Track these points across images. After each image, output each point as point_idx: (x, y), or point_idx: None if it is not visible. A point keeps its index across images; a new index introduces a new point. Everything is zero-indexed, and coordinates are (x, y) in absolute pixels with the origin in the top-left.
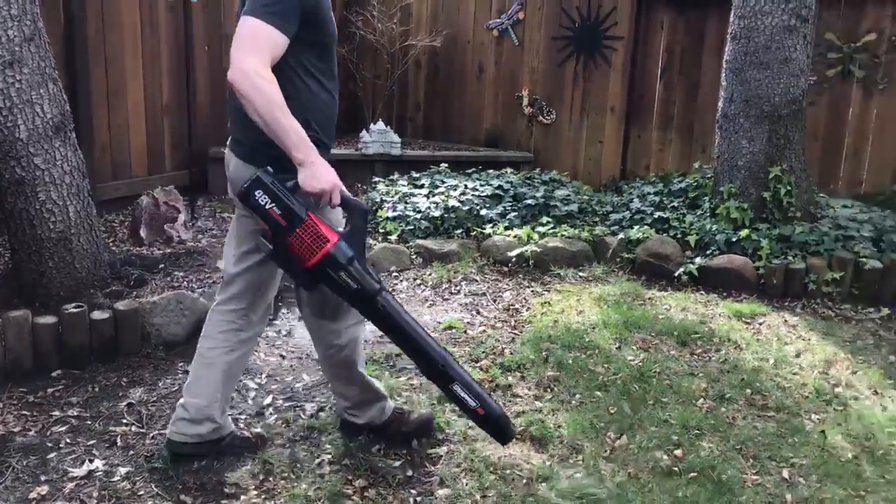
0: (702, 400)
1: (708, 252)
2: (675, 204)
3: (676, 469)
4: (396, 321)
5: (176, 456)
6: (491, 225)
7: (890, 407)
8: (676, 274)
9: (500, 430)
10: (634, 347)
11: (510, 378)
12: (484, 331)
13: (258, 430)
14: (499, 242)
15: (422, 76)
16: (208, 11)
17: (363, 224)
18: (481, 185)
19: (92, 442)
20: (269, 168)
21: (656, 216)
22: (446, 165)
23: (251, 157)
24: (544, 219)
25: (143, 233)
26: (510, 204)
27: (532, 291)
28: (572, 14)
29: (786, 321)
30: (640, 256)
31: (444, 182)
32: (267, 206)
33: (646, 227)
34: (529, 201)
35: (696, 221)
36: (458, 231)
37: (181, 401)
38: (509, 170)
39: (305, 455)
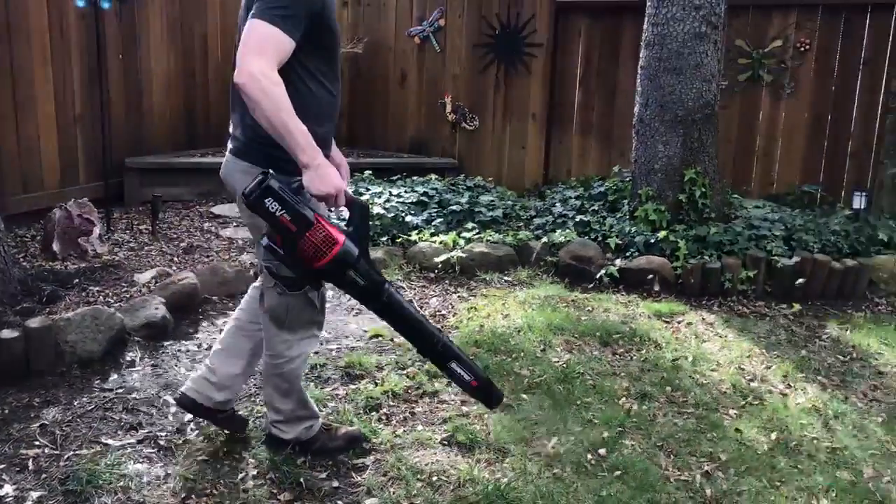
0: (624, 399)
1: (628, 254)
2: (596, 207)
3: (601, 468)
4: (401, 312)
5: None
6: (416, 232)
7: (801, 400)
8: (598, 276)
9: (490, 396)
10: (559, 349)
11: (437, 384)
12: None
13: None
14: (425, 249)
15: (344, 83)
16: (122, 18)
17: (365, 221)
18: (406, 192)
19: (1, 466)
20: (271, 171)
21: (578, 220)
22: (370, 173)
23: (245, 152)
24: (469, 224)
25: (55, 247)
26: (435, 210)
27: (458, 297)
28: (492, 21)
29: (703, 319)
30: (564, 259)
31: (368, 189)
32: (278, 214)
33: (568, 230)
34: (455, 207)
35: (616, 224)
36: (384, 238)
37: (208, 363)
38: (434, 176)
39: (228, 470)
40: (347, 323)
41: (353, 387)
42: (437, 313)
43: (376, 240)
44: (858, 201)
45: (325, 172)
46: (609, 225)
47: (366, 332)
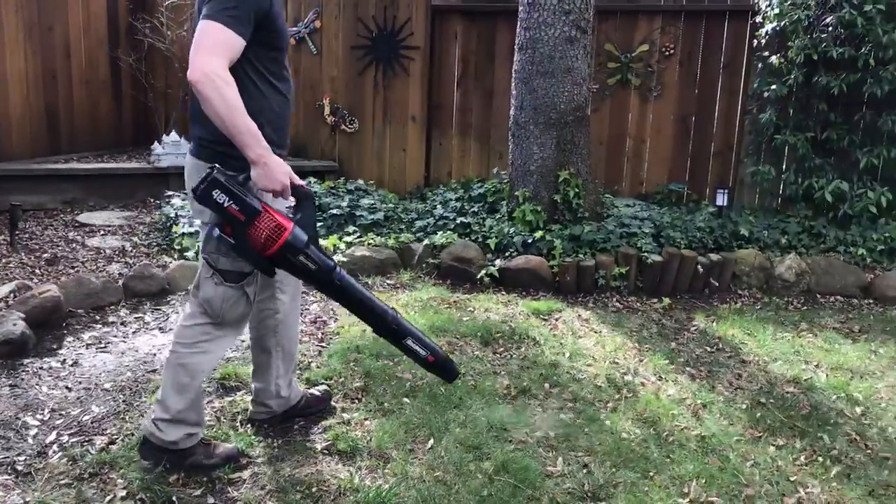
0: (505, 397)
1: (507, 254)
2: (476, 209)
3: (482, 468)
4: (352, 293)
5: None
6: None
7: (672, 391)
8: (479, 276)
9: (447, 370)
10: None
11: (317, 392)
12: None
13: (323, 387)
14: None
15: None
16: None
17: (312, 208)
18: None
19: None
20: (218, 165)
21: (459, 221)
22: None
23: (198, 153)
24: (350, 228)
25: None
26: (315, 214)
27: None
28: (369, 24)
29: (579, 316)
30: (445, 261)
31: None
32: (225, 204)
33: (449, 232)
34: (335, 211)
35: (495, 225)
36: None
37: (254, 385)
38: (313, 179)
39: (95, 493)
40: None
41: (228, 399)
42: (319, 319)
43: None
44: (721, 198)
45: (273, 169)
46: (489, 226)
47: (242, 341)
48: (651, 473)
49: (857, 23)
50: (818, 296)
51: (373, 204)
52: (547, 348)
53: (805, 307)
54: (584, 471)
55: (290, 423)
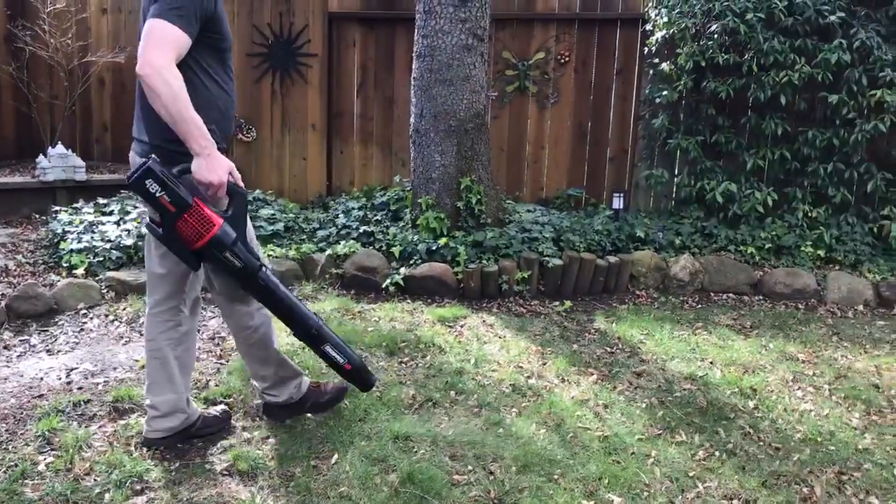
0: (411, 407)
1: (412, 262)
2: (379, 217)
3: (387, 480)
4: (276, 294)
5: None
6: None
7: (575, 392)
8: (384, 285)
9: (364, 380)
10: None
11: (216, 412)
12: None
13: (221, 406)
14: None
15: (107, 95)
16: None
17: (244, 208)
18: None
19: None
20: (155, 157)
21: (362, 230)
22: None
23: (145, 153)
24: None
25: None
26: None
27: None
28: (265, 31)
29: (484, 321)
30: (349, 271)
31: (136, 207)
32: (157, 194)
33: (352, 241)
34: None
35: (399, 233)
36: None
37: (148, 402)
38: None
39: None
40: (116, 353)
41: (122, 422)
42: (217, 336)
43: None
44: (618, 202)
45: (214, 162)
46: (392, 234)
47: (136, 361)
48: (556, 476)
49: (740, 30)
50: (711, 294)
51: (272, 214)
52: (452, 356)
53: (700, 305)
54: (490, 477)
55: (187, 444)
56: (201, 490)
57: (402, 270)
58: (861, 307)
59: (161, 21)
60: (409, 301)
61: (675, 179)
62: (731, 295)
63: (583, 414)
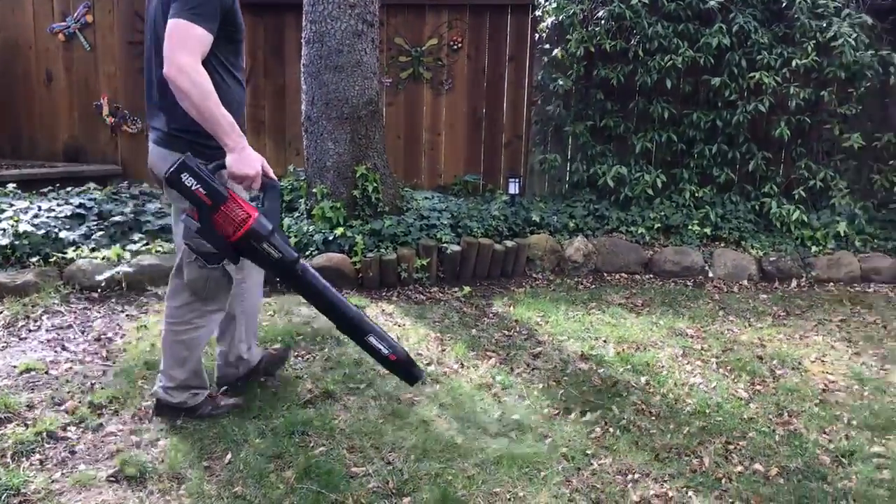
0: (308, 401)
1: (308, 253)
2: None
3: (283, 477)
4: (315, 285)
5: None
6: (74, 248)
7: (474, 376)
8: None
9: (410, 372)
10: None
11: (103, 416)
12: (70, 367)
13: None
14: (84, 267)
15: None
16: None
17: (278, 200)
18: (59, 205)
19: None
20: (189, 153)
21: None
22: (14, 186)
23: (166, 142)
24: (136, 236)
25: None
26: (95, 223)
27: (127, 316)
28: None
29: (384, 310)
30: None
31: (11, 205)
32: (193, 188)
33: None
34: (117, 218)
35: (294, 224)
36: (35, 259)
37: (221, 350)
38: (93, 185)
39: None
40: None
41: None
42: (102, 337)
43: (25, 261)
44: (513, 187)
45: (248, 155)
46: (287, 225)
47: (15, 367)
48: (456, 462)
49: (625, 15)
50: (605, 274)
51: (160, 208)
52: (350, 347)
53: (594, 286)
54: (389, 467)
55: (112, 438)
56: (86, 499)
57: None
58: (745, 282)
59: (182, 21)
60: None
61: (568, 164)
62: (623, 274)
63: (482, 398)
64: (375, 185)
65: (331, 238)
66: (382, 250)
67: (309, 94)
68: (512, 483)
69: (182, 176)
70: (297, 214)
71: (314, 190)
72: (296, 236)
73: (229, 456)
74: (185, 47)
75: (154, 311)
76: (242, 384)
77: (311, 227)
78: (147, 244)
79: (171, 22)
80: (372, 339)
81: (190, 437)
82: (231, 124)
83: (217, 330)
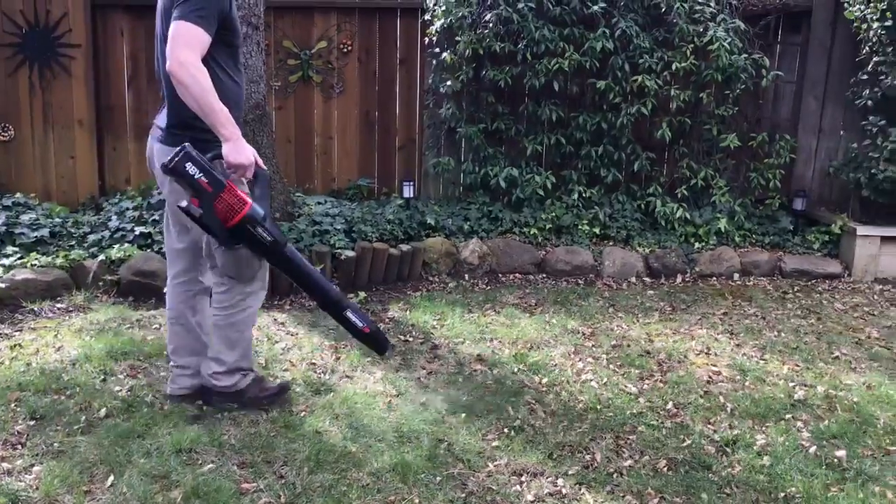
0: (196, 417)
1: None
2: (158, 217)
3: (169, 497)
4: (301, 266)
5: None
6: None
7: (368, 384)
8: (165, 290)
9: (381, 342)
10: (122, 376)
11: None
12: None
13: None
14: None
15: None
16: None
17: (268, 186)
18: None
19: None
20: (188, 144)
21: (138, 232)
22: None
23: (172, 140)
24: (9, 249)
25: None
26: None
27: (0, 334)
28: (17, 19)
29: (276, 319)
30: (125, 277)
31: None
32: (196, 176)
33: (128, 245)
34: None
35: None
36: None
37: (173, 363)
38: None
39: None
40: None
41: None
42: None
43: None
44: (408, 190)
45: (243, 146)
46: None
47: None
48: (350, 472)
49: (513, 19)
50: (500, 275)
51: (36, 219)
52: None
53: (489, 287)
54: (281, 481)
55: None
56: None
57: None
58: (633, 279)
59: (185, 23)
60: None
61: (462, 166)
62: (517, 275)
63: (376, 405)
64: None
65: None
66: None
67: None
68: (408, 490)
69: (186, 165)
70: None
71: None
72: None
73: (111, 479)
74: (186, 45)
75: (29, 329)
76: (197, 399)
77: None
78: (22, 258)
79: (174, 23)
80: (349, 314)
81: (68, 460)
82: (227, 116)
83: (171, 344)
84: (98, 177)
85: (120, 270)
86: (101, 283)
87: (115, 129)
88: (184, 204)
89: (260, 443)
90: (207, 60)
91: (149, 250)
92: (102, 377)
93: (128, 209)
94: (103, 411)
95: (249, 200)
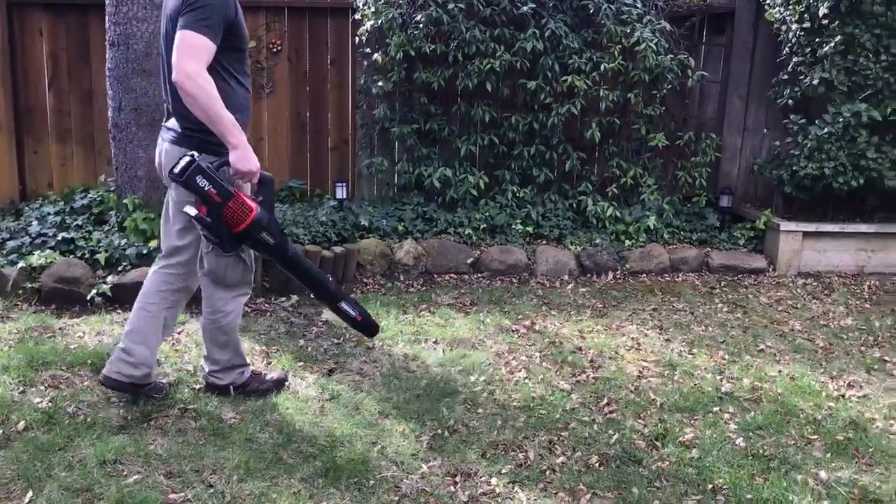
0: (121, 427)
1: (121, 268)
2: (80, 222)
3: None
4: (302, 265)
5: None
6: None
7: (300, 389)
8: (89, 297)
9: (370, 327)
10: (43, 387)
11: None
12: None
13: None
14: None
15: None
16: None
17: (271, 193)
18: None
19: None
20: (196, 153)
21: (60, 237)
22: None
23: (180, 141)
24: None
25: None
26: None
27: None
28: None
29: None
30: (47, 284)
31: None
32: (206, 188)
33: (49, 251)
34: None
35: (104, 238)
36: None
37: (122, 345)
38: None
39: None
40: None
41: None
42: None
43: None
44: (341, 191)
45: (249, 152)
46: (97, 240)
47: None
48: (282, 478)
49: (443, 20)
50: (435, 276)
51: None
52: (169, 366)
53: (424, 288)
54: (210, 490)
55: (137, 397)
56: None
57: (110, 279)
58: (566, 277)
59: (189, 32)
60: (119, 312)
61: (396, 167)
62: (452, 275)
63: (309, 410)
64: None
65: (145, 251)
66: None
67: (116, 99)
68: (340, 495)
69: (197, 178)
70: (107, 228)
71: (125, 201)
72: (106, 251)
73: (30, 494)
74: (191, 56)
75: None
76: (130, 391)
77: (124, 241)
78: None
79: (179, 33)
80: (344, 305)
81: None
82: (234, 123)
83: (128, 326)
84: (18, 181)
85: (41, 277)
86: (21, 291)
87: (35, 132)
88: (193, 213)
89: (188, 451)
90: (215, 66)
91: (72, 256)
92: (22, 389)
93: (49, 214)
94: (22, 424)
95: (255, 207)
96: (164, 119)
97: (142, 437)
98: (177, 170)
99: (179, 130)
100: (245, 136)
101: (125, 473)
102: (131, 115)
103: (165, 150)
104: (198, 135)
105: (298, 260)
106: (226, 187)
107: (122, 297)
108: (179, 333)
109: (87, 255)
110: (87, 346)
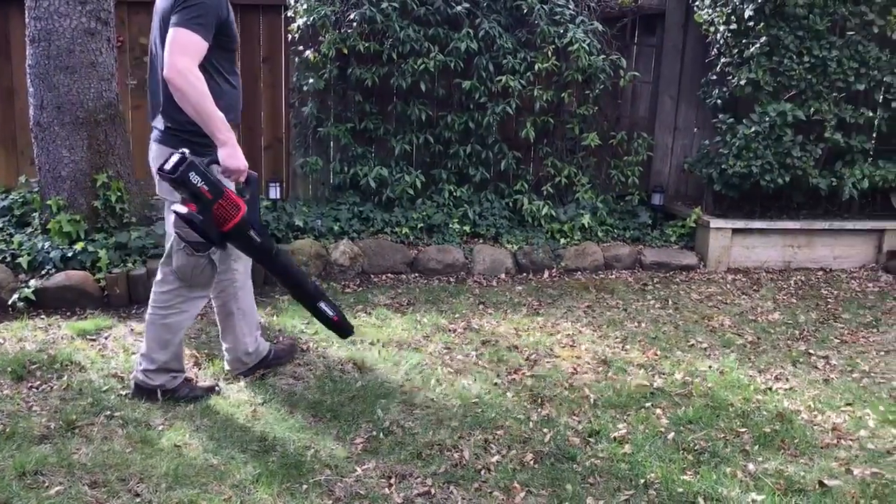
0: (43, 437)
1: (44, 272)
2: (1, 224)
3: None
4: (285, 265)
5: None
6: None
7: (232, 393)
8: (10, 302)
9: (344, 328)
10: None
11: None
12: None
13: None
14: None
15: None
16: None
17: (257, 191)
18: None
19: None
20: (188, 151)
21: None
22: None
23: (166, 140)
24: None
25: None
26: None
27: None
28: None
29: (132, 330)
30: None
31: None
32: (198, 185)
33: None
34: None
35: (26, 241)
36: None
37: (227, 346)
38: None
39: None
40: None
41: None
42: None
43: None
44: (275, 191)
45: (237, 151)
46: (19, 242)
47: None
48: (212, 485)
49: (377, 19)
50: (372, 276)
51: None
52: (95, 372)
53: (361, 288)
54: (137, 500)
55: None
56: None
57: (33, 283)
58: (503, 275)
59: (183, 29)
60: (43, 317)
61: (330, 166)
62: (390, 275)
63: (240, 414)
64: (119, 194)
65: (70, 254)
66: (130, 265)
67: (38, 97)
68: (273, 500)
69: (190, 175)
70: (29, 230)
71: (49, 202)
72: (28, 254)
73: None
74: (183, 52)
75: None
76: (250, 375)
77: (47, 244)
78: None
79: (172, 30)
80: (321, 305)
81: None
82: (223, 121)
83: (219, 326)
84: None
85: None
86: None
87: None
88: (183, 210)
89: (114, 460)
90: (205, 65)
91: None
92: None
93: None
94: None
95: (244, 205)
96: (150, 117)
97: (65, 447)
98: (168, 167)
99: (163, 129)
100: (234, 134)
101: (47, 485)
102: (54, 113)
103: (153, 148)
104: (182, 134)
105: (283, 261)
106: (217, 184)
107: (48, 302)
108: (107, 339)
109: (9, 259)
110: (8, 353)
